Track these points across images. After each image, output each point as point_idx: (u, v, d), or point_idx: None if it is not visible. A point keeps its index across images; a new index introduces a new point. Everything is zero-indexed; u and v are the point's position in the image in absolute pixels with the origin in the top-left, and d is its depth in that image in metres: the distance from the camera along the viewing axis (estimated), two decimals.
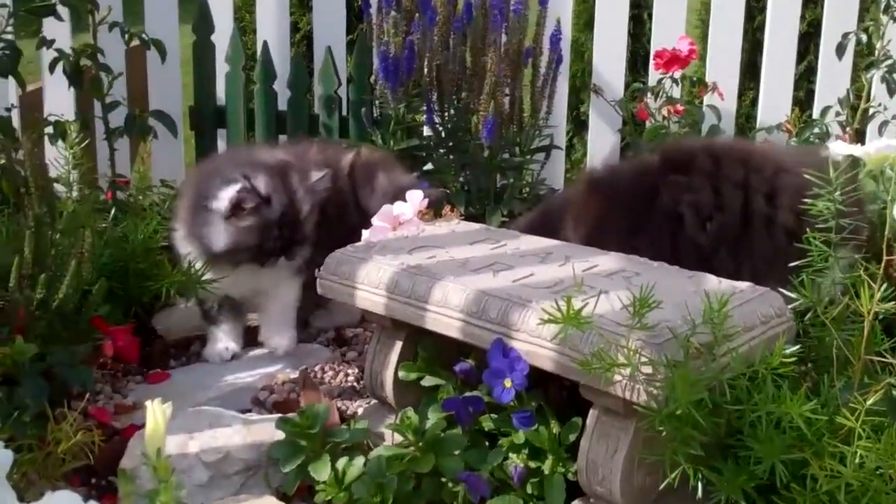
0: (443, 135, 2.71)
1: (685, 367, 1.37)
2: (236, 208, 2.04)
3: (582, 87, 3.81)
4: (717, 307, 1.42)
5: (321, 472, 1.66)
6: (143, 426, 1.29)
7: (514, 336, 1.57)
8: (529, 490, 1.59)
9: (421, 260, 1.81)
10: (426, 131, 2.85)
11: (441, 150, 2.70)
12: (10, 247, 1.78)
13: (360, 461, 1.67)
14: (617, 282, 1.65)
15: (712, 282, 1.65)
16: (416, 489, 1.62)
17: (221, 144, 3.19)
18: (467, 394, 1.65)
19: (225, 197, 2.04)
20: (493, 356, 1.55)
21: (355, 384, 2.15)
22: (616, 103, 3.31)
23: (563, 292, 1.58)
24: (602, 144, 3.32)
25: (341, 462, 1.67)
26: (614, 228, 2.00)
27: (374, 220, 2.12)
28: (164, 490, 1.09)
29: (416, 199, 2.14)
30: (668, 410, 1.36)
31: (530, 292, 1.62)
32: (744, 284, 1.64)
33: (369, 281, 1.79)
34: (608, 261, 1.77)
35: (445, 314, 1.67)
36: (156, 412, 1.20)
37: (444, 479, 1.62)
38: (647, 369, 1.39)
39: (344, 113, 3.04)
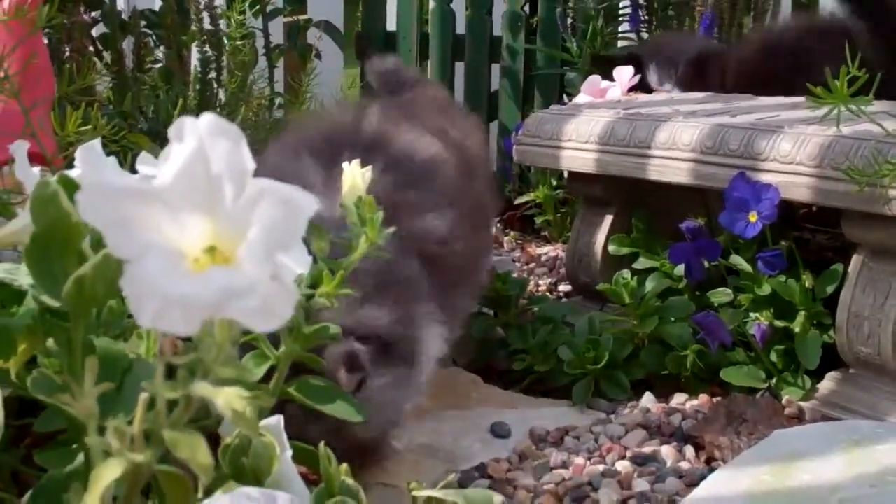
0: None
1: None
2: None
3: None
4: None
5: (520, 338, 1.62)
6: None
7: (761, 167, 1.50)
8: (774, 358, 1.50)
9: (640, 108, 1.76)
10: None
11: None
12: (174, 93, 1.82)
13: (564, 332, 1.62)
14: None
15: None
16: (635, 357, 1.56)
17: None
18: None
19: None
20: (734, 188, 1.48)
21: (548, 294, 2.10)
22: None
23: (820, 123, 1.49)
24: None
25: (542, 331, 1.62)
26: None
27: (578, 98, 2.09)
28: (370, 226, 1.07)
29: (625, 75, 2.10)
30: None
31: (779, 122, 1.55)
32: None
33: (578, 136, 1.76)
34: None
35: (672, 156, 1.61)
36: (353, 171, 1.19)
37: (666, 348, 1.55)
38: None
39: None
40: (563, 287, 2.09)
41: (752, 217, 1.46)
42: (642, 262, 1.73)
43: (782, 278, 1.50)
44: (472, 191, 1.46)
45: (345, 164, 1.19)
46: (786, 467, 1.18)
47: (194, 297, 0.47)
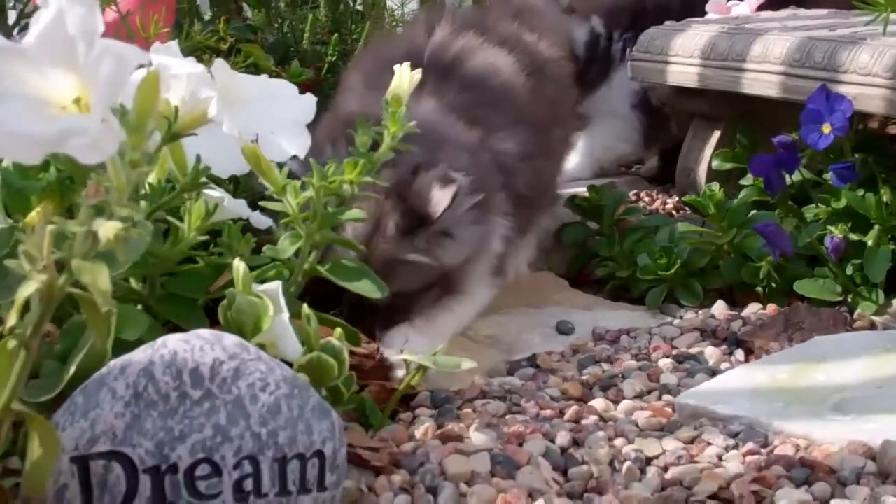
0: None
1: None
2: None
3: None
4: None
5: (605, 247, 1.67)
6: None
7: (841, 79, 1.50)
8: (850, 272, 1.49)
9: (746, 23, 1.76)
10: None
11: None
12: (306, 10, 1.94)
13: (651, 241, 1.66)
14: None
15: None
16: (715, 268, 1.58)
17: None
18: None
19: None
20: (811, 100, 1.48)
21: (673, 212, 2.12)
22: None
23: None
24: None
25: (629, 239, 1.66)
26: None
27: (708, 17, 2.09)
28: (392, 120, 1.16)
29: None
30: None
31: (866, 34, 1.53)
32: None
33: (683, 51, 1.78)
34: None
35: (764, 69, 1.62)
36: (402, 72, 1.28)
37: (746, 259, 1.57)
38: None
39: None
40: None
41: (826, 129, 1.46)
42: (748, 178, 1.74)
43: (860, 192, 1.49)
44: (541, 97, 1.53)
45: (395, 67, 1.29)
46: (806, 367, 1.21)
47: (35, 135, 0.58)
